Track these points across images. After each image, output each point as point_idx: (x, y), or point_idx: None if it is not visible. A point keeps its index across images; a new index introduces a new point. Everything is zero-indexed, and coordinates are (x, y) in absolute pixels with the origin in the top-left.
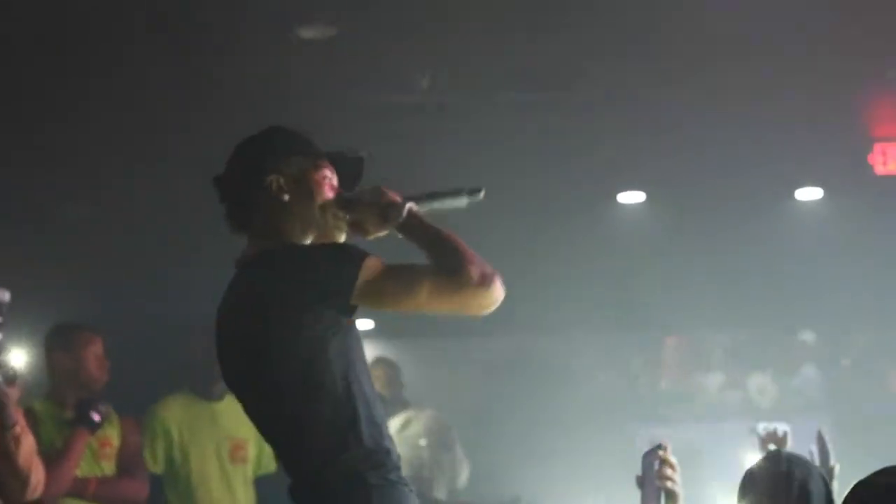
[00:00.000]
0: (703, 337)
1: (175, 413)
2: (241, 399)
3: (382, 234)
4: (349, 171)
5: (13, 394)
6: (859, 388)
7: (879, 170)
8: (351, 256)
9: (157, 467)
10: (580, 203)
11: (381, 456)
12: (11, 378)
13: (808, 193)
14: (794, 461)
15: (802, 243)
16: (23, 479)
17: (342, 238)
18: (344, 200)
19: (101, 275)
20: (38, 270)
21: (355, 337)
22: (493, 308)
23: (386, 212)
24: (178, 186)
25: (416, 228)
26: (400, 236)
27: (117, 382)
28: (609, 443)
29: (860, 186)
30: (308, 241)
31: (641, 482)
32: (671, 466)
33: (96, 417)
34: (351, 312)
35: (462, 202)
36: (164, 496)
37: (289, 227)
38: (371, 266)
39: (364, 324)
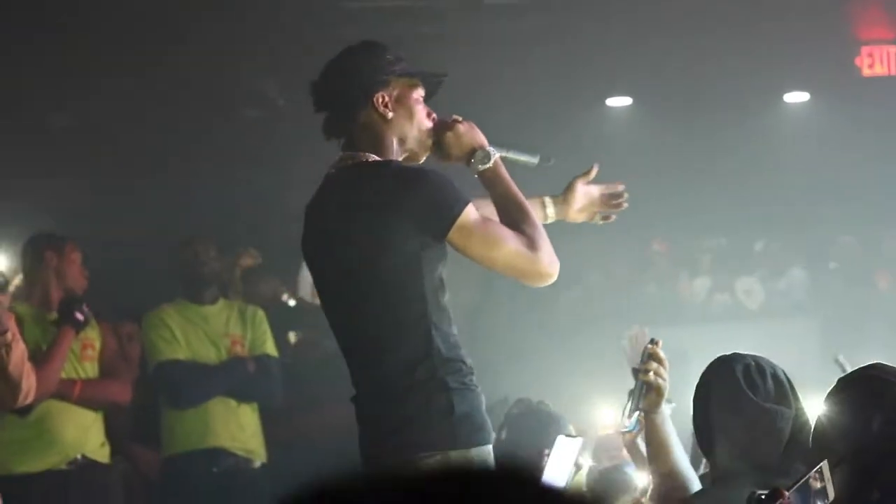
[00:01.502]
0: (692, 240)
1: (172, 315)
2: (330, 299)
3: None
4: (430, 88)
5: (3, 301)
6: (845, 289)
7: (866, 72)
8: (457, 198)
9: (159, 356)
10: (568, 106)
11: (458, 364)
12: (1, 285)
13: (796, 97)
14: (754, 356)
15: (790, 146)
16: (14, 386)
17: (424, 156)
18: (441, 129)
19: (90, 186)
20: (24, 181)
21: (443, 254)
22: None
23: (474, 154)
24: (170, 101)
25: (497, 182)
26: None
27: (103, 289)
28: (596, 344)
29: (847, 89)
30: (400, 156)
31: (635, 373)
32: (658, 360)
33: (80, 317)
34: (441, 242)
35: (534, 162)
36: (157, 387)
37: (388, 142)
38: (470, 214)
39: None
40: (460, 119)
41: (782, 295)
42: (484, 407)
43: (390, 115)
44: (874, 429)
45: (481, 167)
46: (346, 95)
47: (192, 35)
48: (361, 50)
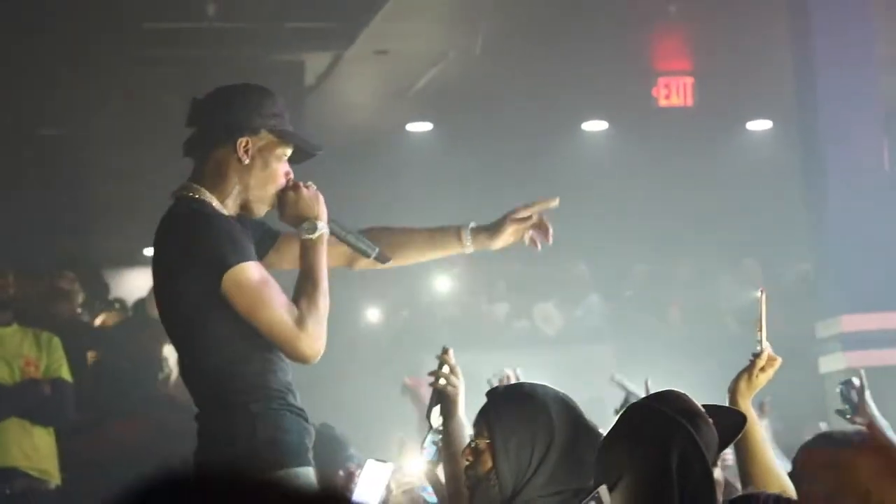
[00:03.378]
0: (489, 267)
1: None
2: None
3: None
4: (302, 153)
5: None
6: (640, 317)
7: (662, 102)
8: (235, 252)
9: None
10: (369, 131)
11: (264, 390)
12: None
13: (594, 125)
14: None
15: (588, 174)
16: None
17: (262, 211)
18: (288, 188)
19: None
20: None
21: None
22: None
23: (303, 222)
24: None
25: (309, 255)
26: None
27: None
28: (397, 370)
29: (644, 118)
30: (237, 200)
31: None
32: (450, 368)
33: None
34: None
35: (370, 254)
36: None
37: (230, 184)
38: (245, 270)
39: None
40: (310, 186)
41: (579, 321)
42: (300, 430)
43: (246, 160)
44: (651, 460)
45: (304, 236)
46: (215, 126)
47: None
48: (250, 91)
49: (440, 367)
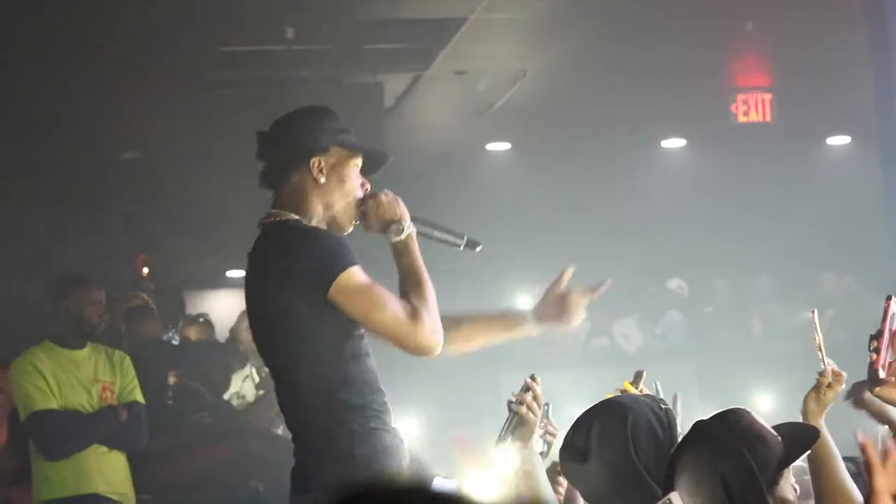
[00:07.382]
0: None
1: (44, 360)
2: (256, 346)
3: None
4: (372, 163)
5: None
6: (721, 333)
7: (741, 119)
8: (341, 260)
9: (34, 405)
10: (448, 153)
11: (363, 409)
12: None
13: (673, 143)
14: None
15: (667, 191)
16: None
17: (349, 226)
18: (366, 198)
19: None
20: None
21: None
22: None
23: (388, 226)
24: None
25: (404, 253)
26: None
27: None
28: (477, 387)
29: (722, 135)
30: (323, 221)
31: (510, 405)
32: (534, 395)
33: None
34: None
35: (458, 244)
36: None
37: (312, 205)
38: (352, 276)
39: None
40: (387, 193)
41: (659, 338)
42: (397, 451)
43: (322, 179)
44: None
45: (394, 238)
46: (286, 153)
47: (70, 74)
48: (313, 112)
49: (524, 391)
